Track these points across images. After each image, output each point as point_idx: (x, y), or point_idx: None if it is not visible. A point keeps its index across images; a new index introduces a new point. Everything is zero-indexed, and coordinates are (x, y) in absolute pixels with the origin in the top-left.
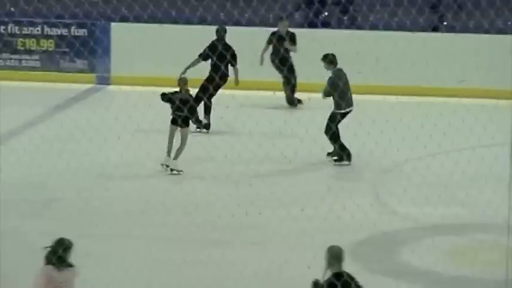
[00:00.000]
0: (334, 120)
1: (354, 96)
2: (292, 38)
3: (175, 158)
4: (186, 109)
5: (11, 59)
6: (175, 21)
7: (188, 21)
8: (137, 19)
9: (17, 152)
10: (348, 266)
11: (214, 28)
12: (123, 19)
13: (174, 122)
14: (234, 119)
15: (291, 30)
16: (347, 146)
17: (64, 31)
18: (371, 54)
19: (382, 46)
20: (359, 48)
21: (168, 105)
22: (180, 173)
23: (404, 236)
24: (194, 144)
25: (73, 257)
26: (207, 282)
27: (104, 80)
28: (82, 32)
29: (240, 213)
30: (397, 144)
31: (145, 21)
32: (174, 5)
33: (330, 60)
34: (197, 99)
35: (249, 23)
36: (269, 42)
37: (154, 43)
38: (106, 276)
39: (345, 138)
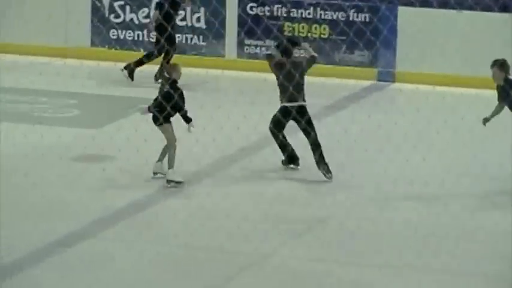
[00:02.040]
0: None
1: None
2: None
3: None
4: None
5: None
6: (471, 7)
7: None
8: (426, 3)
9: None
10: None
11: None
12: (411, 2)
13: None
14: None
15: None
16: None
17: (340, 15)
18: None
19: None
20: None
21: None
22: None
23: None
24: None
25: None
26: None
27: (387, 77)
28: (362, 17)
29: None
30: None
31: (439, 6)
32: None
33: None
34: None
35: None
36: None
37: (447, 33)
38: None
39: None
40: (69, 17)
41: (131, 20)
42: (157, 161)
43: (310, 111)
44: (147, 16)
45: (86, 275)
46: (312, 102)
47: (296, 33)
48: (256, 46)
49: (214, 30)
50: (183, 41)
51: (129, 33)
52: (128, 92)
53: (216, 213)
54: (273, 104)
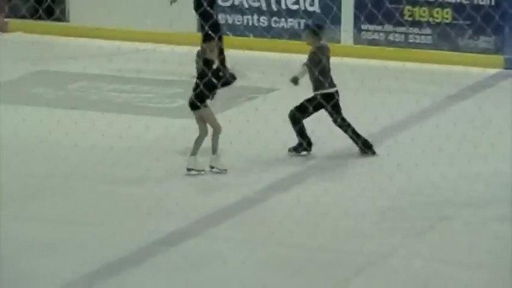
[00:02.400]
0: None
1: None
2: None
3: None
4: None
5: (395, 32)
6: None
7: None
8: None
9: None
10: None
11: None
12: None
13: None
14: None
15: None
16: None
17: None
18: None
19: None
20: None
21: None
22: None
23: None
24: None
25: None
26: None
27: None
28: (487, 0)
29: None
30: None
31: None
32: None
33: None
34: None
35: None
36: None
37: None
38: None
39: None
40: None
41: (240, 3)
42: (191, 154)
43: (433, 100)
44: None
45: (192, 275)
46: (435, 91)
47: (416, 18)
48: (374, 31)
49: (329, 15)
50: (296, 26)
51: (238, 17)
52: (238, 81)
53: (333, 209)
54: (394, 93)
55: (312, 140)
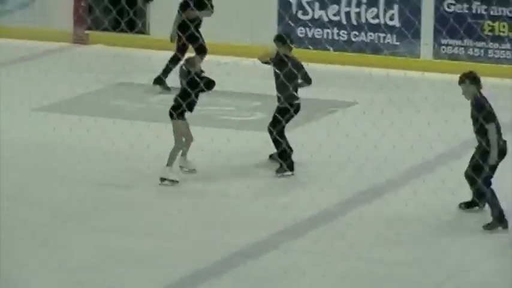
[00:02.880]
0: None
1: None
2: None
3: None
4: None
5: (474, 47)
6: None
7: None
8: None
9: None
10: None
11: None
12: None
13: None
14: None
15: None
16: None
17: None
18: None
19: None
20: None
21: None
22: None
23: None
24: None
25: None
26: None
27: None
28: None
29: None
30: None
31: None
32: None
33: None
34: None
35: None
36: None
37: None
38: None
39: None
40: (255, 14)
41: (320, 17)
42: (181, 154)
43: None
44: (337, 13)
45: None
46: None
47: (496, 33)
48: (454, 46)
49: (410, 29)
50: (376, 41)
51: (318, 31)
52: (317, 94)
53: (414, 222)
54: None
55: (390, 155)
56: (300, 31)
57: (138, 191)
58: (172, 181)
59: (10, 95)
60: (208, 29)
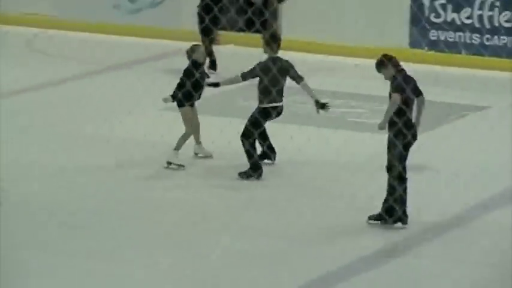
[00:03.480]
0: None
1: None
2: None
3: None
4: None
5: None
6: None
7: None
8: None
9: None
10: None
11: None
12: None
13: None
14: None
15: None
16: None
17: None
18: None
19: None
20: None
21: None
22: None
23: None
24: None
25: None
26: None
27: None
28: None
29: None
30: None
31: None
32: None
33: None
34: None
35: None
36: None
37: None
38: None
39: None
40: (387, 16)
41: (452, 20)
42: (196, 143)
43: None
44: (469, 17)
45: None
46: None
47: None
48: None
49: None
50: (509, 44)
51: (450, 34)
52: (453, 98)
53: None
54: None
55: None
56: (432, 34)
57: (270, 192)
58: (179, 165)
59: (139, 95)
60: (342, 30)
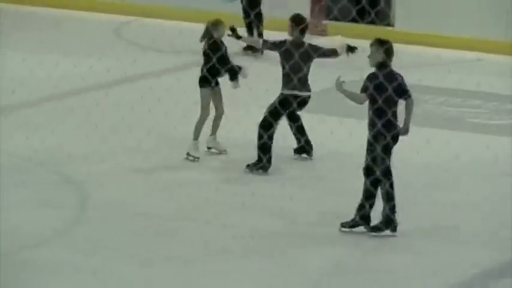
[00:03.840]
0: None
1: None
2: None
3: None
4: None
5: None
6: None
7: None
8: None
9: None
10: None
11: None
12: None
13: None
14: None
15: None
16: None
17: None
18: None
19: None
20: None
21: None
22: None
23: None
24: None
25: None
26: None
27: None
28: None
29: None
30: None
31: None
32: None
33: None
34: None
35: None
36: None
37: None
38: None
39: None
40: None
41: None
42: (210, 134)
43: None
44: None
45: None
46: None
47: None
48: None
49: None
50: None
51: None
52: None
53: None
54: None
55: None
56: None
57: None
58: (194, 158)
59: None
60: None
